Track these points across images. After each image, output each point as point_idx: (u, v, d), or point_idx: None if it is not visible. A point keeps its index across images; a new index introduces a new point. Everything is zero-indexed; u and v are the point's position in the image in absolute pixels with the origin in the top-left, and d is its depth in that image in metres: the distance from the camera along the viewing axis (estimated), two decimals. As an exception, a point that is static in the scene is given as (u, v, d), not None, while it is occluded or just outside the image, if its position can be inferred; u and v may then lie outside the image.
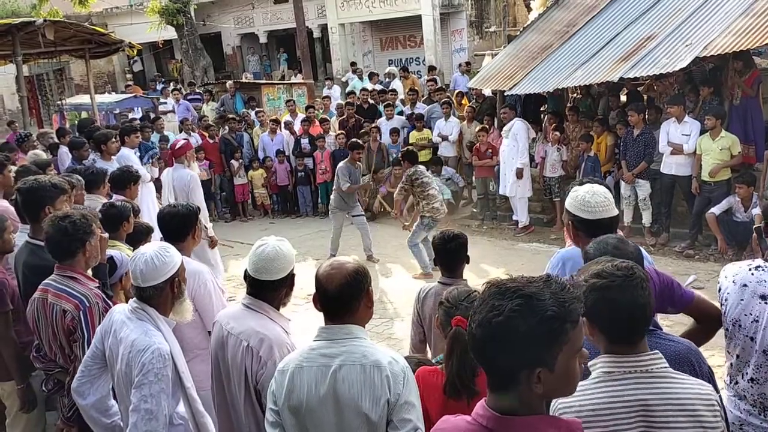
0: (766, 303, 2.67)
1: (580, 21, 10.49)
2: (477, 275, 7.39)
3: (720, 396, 2.13)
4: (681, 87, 9.73)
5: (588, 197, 3.06)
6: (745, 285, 2.71)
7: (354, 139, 10.41)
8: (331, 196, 9.85)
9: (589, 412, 2.02)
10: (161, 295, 3.08)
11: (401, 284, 8.49)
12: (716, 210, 8.19)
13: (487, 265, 8.66)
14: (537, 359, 1.60)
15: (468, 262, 4.11)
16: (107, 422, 3.28)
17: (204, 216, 7.02)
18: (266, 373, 2.72)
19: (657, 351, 2.11)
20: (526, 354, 1.60)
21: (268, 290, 2.96)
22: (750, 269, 2.75)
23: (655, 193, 9.12)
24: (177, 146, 7.78)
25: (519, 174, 9.99)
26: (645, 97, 10.65)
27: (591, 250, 2.58)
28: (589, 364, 2.14)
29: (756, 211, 7.92)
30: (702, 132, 8.52)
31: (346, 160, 9.75)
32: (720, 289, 2.85)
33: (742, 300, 2.73)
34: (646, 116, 9.43)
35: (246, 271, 3.00)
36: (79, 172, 5.93)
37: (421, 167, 8.84)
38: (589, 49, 9.62)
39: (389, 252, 9.78)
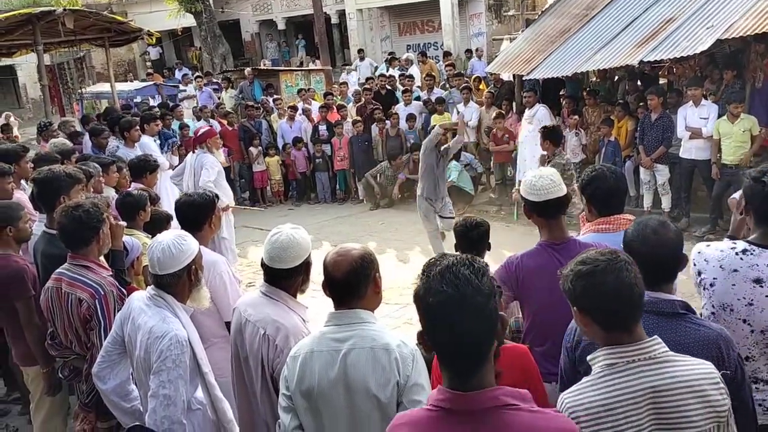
0: (760, 286, 2.68)
1: (599, 4, 10.37)
2: (495, 262, 7.37)
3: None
4: (702, 69, 9.59)
5: (534, 181, 3.27)
6: (735, 270, 2.70)
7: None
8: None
9: (600, 408, 2.01)
10: (179, 283, 3.12)
11: (417, 269, 8.48)
12: (737, 194, 8.07)
13: (506, 251, 8.60)
14: (495, 334, 1.76)
15: (489, 249, 4.12)
16: (127, 406, 3.35)
17: (228, 195, 7.21)
18: (282, 361, 2.75)
19: (656, 336, 2.10)
20: (494, 329, 1.75)
21: (282, 278, 2.97)
22: (737, 253, 2.74)
23: (675, 178, 9.02)
24: (200, 132, 7.82)
25: (543, 160, 9.91)
26: (664, 81, 10.51)
27: (631, 237, 2.57)
28: (589, 358, 2.14)
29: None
30: (720, 115, 8.41)
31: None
32: (699, 273, 2.82)
33: (733, 285, 2.72)
34: (667, 100, 9.32)
35: (262, 259, 3.03)
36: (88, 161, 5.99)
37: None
38: (609, 33, 9.51)
39: (407, 239, 9.79)
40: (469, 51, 19.55)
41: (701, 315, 2.86)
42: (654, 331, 2.27)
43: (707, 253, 2.83)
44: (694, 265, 2.85)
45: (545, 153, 9.81)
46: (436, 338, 1.77)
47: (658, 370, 2.03)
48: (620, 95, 10.67)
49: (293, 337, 2.83)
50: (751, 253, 2.73)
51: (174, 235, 3.18)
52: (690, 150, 8.71)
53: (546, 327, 3.21)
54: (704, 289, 2.83)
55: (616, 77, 11.10)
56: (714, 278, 2.77)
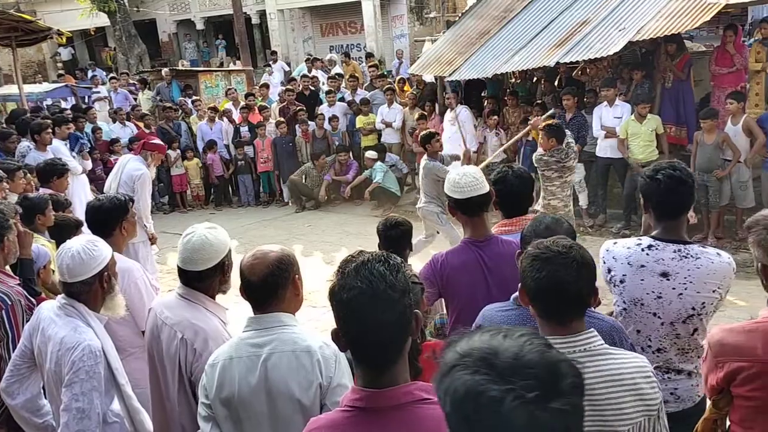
0: (667, 279, 2.78)
1: (517, 6, 10.60)
2: (421, 261, 7.41)
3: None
4: (614, 70, 9.94)
5: (458, 179, 3.34)
6: (642, 266, 2.80)
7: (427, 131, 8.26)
8: (426, 203, 7.61)
9: None
10: (90, 291, 2.97)
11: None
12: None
13: (432, 251, 8.69)
14: (409, 330, 1.76)
15: (411, 249, 4.11)
16: (39, 422, 3.17)
17: (146, 214, 6.73)
18: (200, 365, 2.66)
19: (592, 329, 2.12)
20: (408, 325, 1.75)
21: (196, 281, 2.85)
22: (642, 249, 2.83)
23: (591, 176, 9.32)
24: (152, 140, 7.14)
25: (469, 160, 10.04)
26: (584, 81, 10.82)
27: (526, 231, 2.71)
28: None
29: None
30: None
31: (426, 156, 7.68)
32: (609, 271, 2.91)
33: (642, 280, 2.82)
34: (584, 100, 9.61)
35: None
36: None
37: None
38: (526, 35, 9.73)
39: (334, 240, 9.73)
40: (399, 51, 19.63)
41: (613, 311, 2.96)
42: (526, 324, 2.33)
43: (615, 251, 2.91)
44: (604, 262, 2.93)
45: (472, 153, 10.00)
46: (349, 335, 1.75)
47: (592, 363, 2.05)
48: (539, 96, 10.94)
49: (212, 340, 2.74)
50: (656, 248, 2.83)
51: (84, 240, 3.02)
52: (605, 149, 9.01)
53: (470, 323, 3.23)
54: (614, 285, 2.92)
55: (535, 78, 11.37)
56: (624, 275, 2.86)
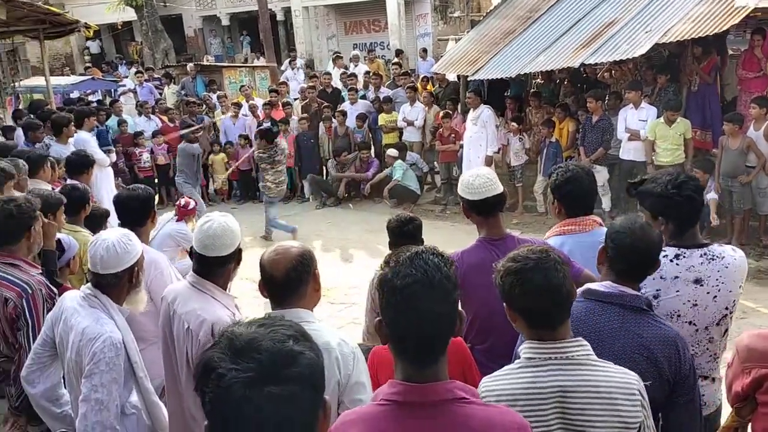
0: (701, 285, 2.76)
1: (542, 6, 10.53)
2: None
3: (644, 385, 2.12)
4: (639, 73, 9.83)
5: (472, 180, 3.30)
6: (676, 277, 2.77)
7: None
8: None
9: (508, 397, 2.04)
10: (119, 284, 3.00)
11: (364, 269, 8.46)
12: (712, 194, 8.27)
13: (450, 250, 8.67)
14: (455, 327, 1.78)
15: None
16: (57, 411, 3.19)
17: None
18: None
19: (581, 338, 2.12)
20: (455, 319, 1.76)
21: (215, 266, 2.92)
22: (671, 260, 2.80)
23: (614, 179, 9.23)
24: (189, 207, 6.29)
25: (489, 162, 9.99)
26: (609, 83, 10.73)
27: (617, 225, 2.58)
28: (519, 349, 2.16)
29: (711, 195, 8.08)
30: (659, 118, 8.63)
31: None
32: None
33: (678, 292, 2.78)
34: (606, 102, 9.52)
35: (192, 248, 2.96)
36: (21, 155, 5.72)
37: (283, 145, 9.72)
38: (551, 35, 9.66)
39: (353, 238, 9.75)
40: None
41: None
42: (619, 324, 2.33)
43: None
44: None
45: (491, 154, 9.95)
46: (397, 324, 1.72)
47: (571, 371, 2.04)
48: (563, 97, 10.86)
49: (216, 331, 2.76)
50: (684, 257, 2.79)
51: (119, 233, 3.05)
52: (629, 151, 8.93)
53: (486, 324, 3.22)
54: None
55: (558, 79, 11.29)
56: (657, 290, 2.81)
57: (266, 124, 12.38)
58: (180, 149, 10.67)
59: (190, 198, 6.53)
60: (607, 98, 9.63)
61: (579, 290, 2.49)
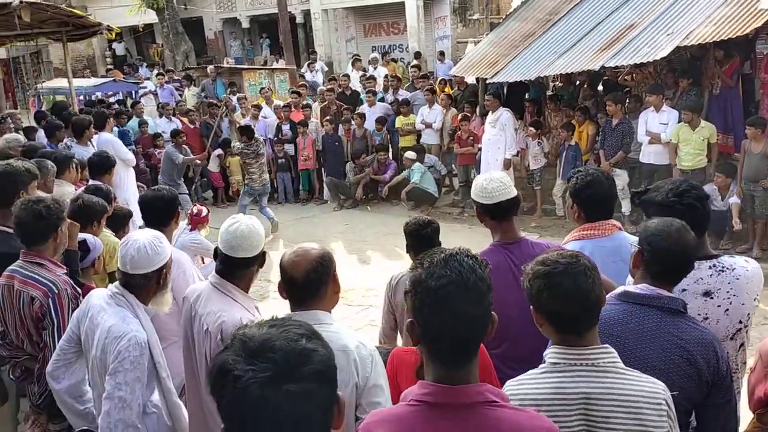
0: (711, 298, 2.69)
1: (562, 9, 10.48)
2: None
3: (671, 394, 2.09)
4: (660, 76, 9.76)
5: (485, 184, 3.27)
6: (684, 289, 2.69)
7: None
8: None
9: (531, 401, 2.02)
10: (147, 285, 3.04)
11: (381, 271, 8.47)
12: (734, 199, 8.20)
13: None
14: (488, 329, 1.78)
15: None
16: (80, 408, 3.24)
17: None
18: None
19: (608, 345, 2.09)
20: (489, 322, 1.77)
21: (240, 267, 2.96)
22: None
23: (634, 182, 9.16)
24: (202, 215, 6.44)
25: (507, 165, 9.97)
26: (629, 87, 10.66)
27: (652, 227, 2.54)
28: (545, 353, 2.14)
29: (733, 200, 8.00)
30: (680, 121, 8.56)
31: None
32: None
33: (688, 305, 2.75)
34: (626, 106, 9.46)
35: (217, 249, 2.98)
36: (48, 156, 5.78)
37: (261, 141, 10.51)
38: (571, 38, 9.62)
39: (371, 240, 9.76)
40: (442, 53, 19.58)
41: None
42: (657, 325, 2.31)
43: None
44: None
45: (509, 157, 9.92)
46: (431, 325, 1.71)
47: (596, 378, 2.02)
48: (582, 100, 10.80)
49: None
50: (693, 268, 2.73)
51: (151, 235, 3.08)
52: (649, 155, 8.86)
53: (501, 327, 3.20)
54: None
55: (578, 82, 11.23)
56: None
57: (285, 126, 12.47)
58: (164, 153, 10.88)
59: (202, 206, 6.57)
60: (627, 101, 9.57)
61: (615, 293, 2.49)
